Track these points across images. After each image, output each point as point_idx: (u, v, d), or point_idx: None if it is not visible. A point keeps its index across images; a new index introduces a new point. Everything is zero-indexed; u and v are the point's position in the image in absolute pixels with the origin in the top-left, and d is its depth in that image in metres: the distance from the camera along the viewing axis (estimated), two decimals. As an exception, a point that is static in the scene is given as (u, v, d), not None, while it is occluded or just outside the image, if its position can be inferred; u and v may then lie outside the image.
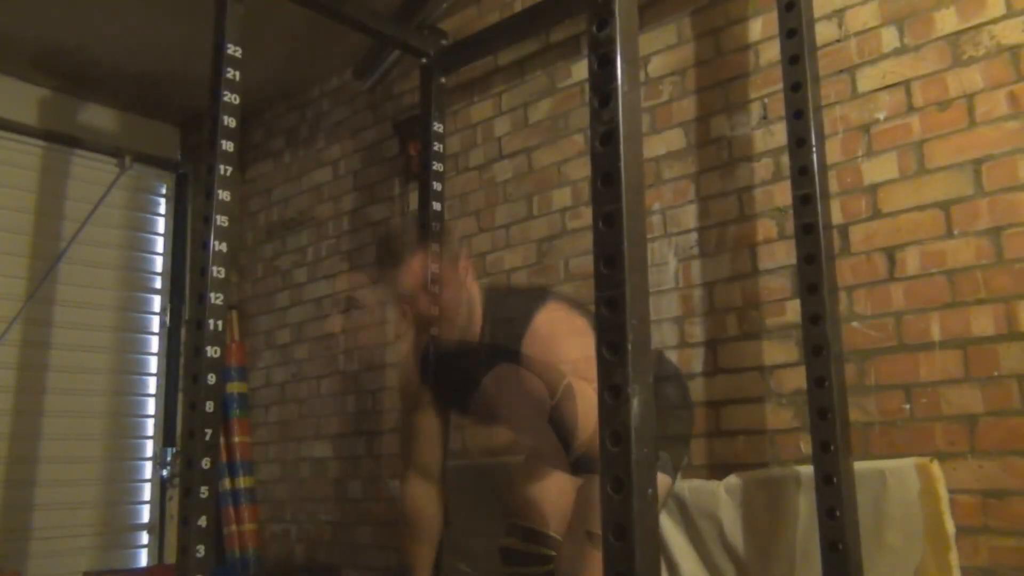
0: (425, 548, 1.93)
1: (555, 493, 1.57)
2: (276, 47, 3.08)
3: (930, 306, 1.76)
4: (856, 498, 1.66)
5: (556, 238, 2.45)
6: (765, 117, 2.08)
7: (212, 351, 1.81)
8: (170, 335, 3.64)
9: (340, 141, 3.27)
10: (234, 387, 3.32)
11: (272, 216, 3.52)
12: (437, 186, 2.48)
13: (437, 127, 2.53)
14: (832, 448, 1.66)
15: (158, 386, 3.61)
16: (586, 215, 2.38)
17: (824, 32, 1.97)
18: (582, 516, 1.58)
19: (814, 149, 1.79)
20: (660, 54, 2.31)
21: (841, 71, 1.96)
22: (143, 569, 3.42)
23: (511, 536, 1.65)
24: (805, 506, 1.78)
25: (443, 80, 2.60)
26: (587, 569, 1.52)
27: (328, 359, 3.13)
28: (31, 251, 3.32)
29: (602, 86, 1.12)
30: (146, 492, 3.53)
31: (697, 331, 2.12)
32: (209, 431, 1.77)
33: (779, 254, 1.99)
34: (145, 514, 3.51)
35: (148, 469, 3.54)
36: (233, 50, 1.95)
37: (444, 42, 2.62)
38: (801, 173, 1.80)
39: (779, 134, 2.00)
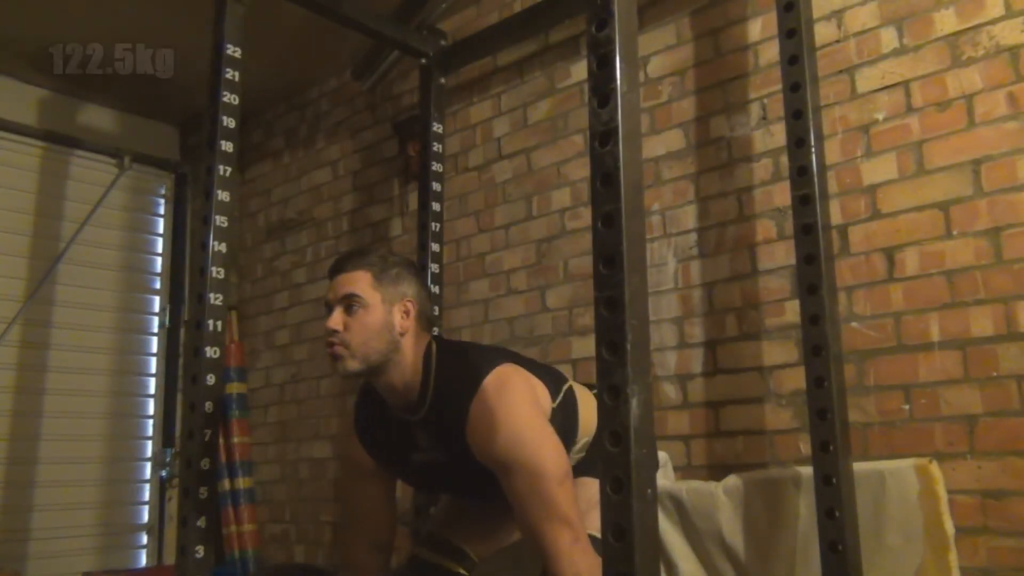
0: None
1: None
2: (276, 47, 3.08)
3: (929, 306, 1.76)
4: (855, 499, 1.66)
5: (555, 238, 2.45)
6: (764, 117, 2.08)
7: (211, 352, 1.81)
8: (169, 336, 3.64)
9: (339, 141, 3.27)
10: (233, 388, 3.32)
11: (271, 216, 3.52)
12: (436, 186, 2.48)
13: (436, 127, 2.54)
14: (831, 448, 1.66)
15: (157, 387, 3.61)
16: (585, 215, 2.38)
17: (823, 32, 1.97)
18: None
19: (813, 149, 1.79)
20: (659, 54, 2.31)
21: (840, 71, 1.96)
22: (142, 570, 3.42)
23: (422, 545, 1.64)
24: (804, 507, 1.78)
25: (442, 80, 2.61)
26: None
27: (328, 359, 3.12)
28: (30, 252, 3.32)
29: (601, 86, 1.12)
30: (145, 493, 3.53)
31: (696, 331, 2.12)
32: (208, 432, 1.77)
33: (778, 254, 1.99)
34: (144, 515, 3.51)
35: (147, 470, 3.54)
36: (233, 50, 1.95)
37: (443, 42, 2.63)
38: (800, 173, 1.80)
39: (778, 134, 2.00)
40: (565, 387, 1.60)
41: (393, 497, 1.75)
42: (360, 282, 1.52)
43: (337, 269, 1.57)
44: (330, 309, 1.54)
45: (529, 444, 1.42)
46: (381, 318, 1.51)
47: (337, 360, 1.52)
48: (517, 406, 1.46)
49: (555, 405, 1.55)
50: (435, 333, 1.68)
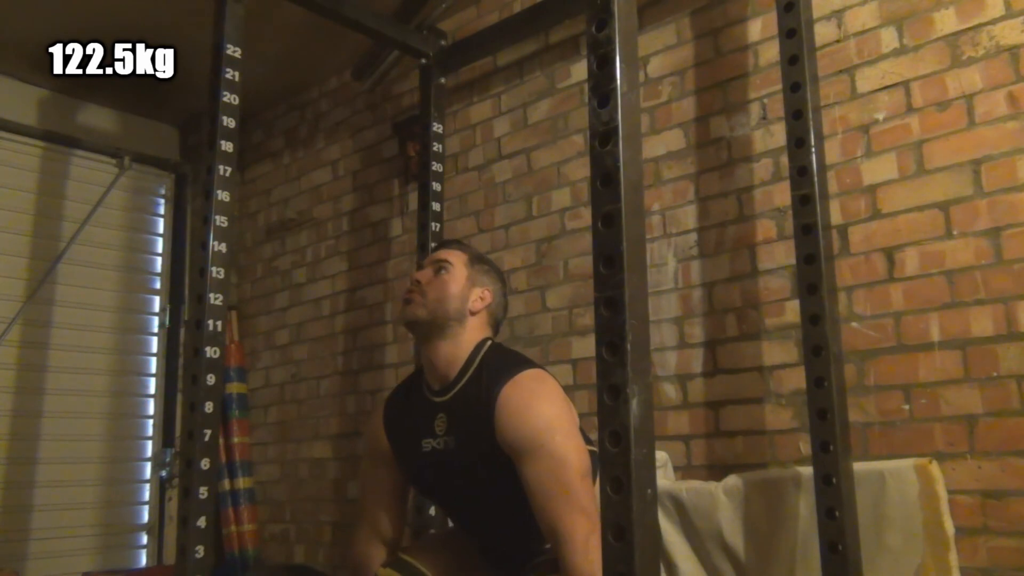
0: None
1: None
2: (276, 47, 3.08)
3: (929, 306, 1.76)
4: (855, 499, 1.66)
5: (555, 239, 2.45)
6: (764, 117, 2.08)
7: (211, 352, 1.81)
8: (169, 336, 3.64)
9: (339, 141, 3.27)
10: (233, 388, 3.32)
11: (271, 216, 3.52)
12: (436, 186, 2.48)
13: (436, 127, 2.54)
14: (831, 448, 1.66)
15: (157, 387, 3.61)
16: (585, 215, 2.38)
17: (823, 32, 1.97)
18: None
19: (813, 149, 1.79)
20: (659, 54, 2.31)
21: (840, 71, 1.96)
22: (142, 570, 3.42)
23: (388, 567, 1.64)
24: (804, 507, 1.78)
25: (442, 80, 2.61)
26: None
27: (327, 359, 3.13)
28: (30, 252, 3.31)
29: (601, 86, 1.12)
30: (145, 493, 3.53)
31: (696, 331, 2.12)
32: (208, 432, 1.77)
33: (778, 254, 1.99)
34: (144, 515, 3.51)
35: (147, 470, 3.54)
36: (233, 50, 1.95)
37: (443, 42, 2.62)
38: (800, 173, 1.80)
39: (778, 134, 2.00)
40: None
41: (405, 495, 1.77)
42: (456, 257, 1.69)
43: (440, 246, 1.78)
44: (420, 269, 1.72)
45: (559, 432, 1.46)
46: (460, 289, 1.65)
47: (408, 304, 1.64)
48: (551, 397, 1.52)
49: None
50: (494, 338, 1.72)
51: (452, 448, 1.59)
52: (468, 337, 1.63)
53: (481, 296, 1.67)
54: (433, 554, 1.69)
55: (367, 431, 1.84)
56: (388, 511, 1.73)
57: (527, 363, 1.59)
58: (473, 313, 1.65)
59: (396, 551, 1.71)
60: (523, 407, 1.48)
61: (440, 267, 1.67)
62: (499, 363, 1.59)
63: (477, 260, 1.72)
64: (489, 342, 1.66)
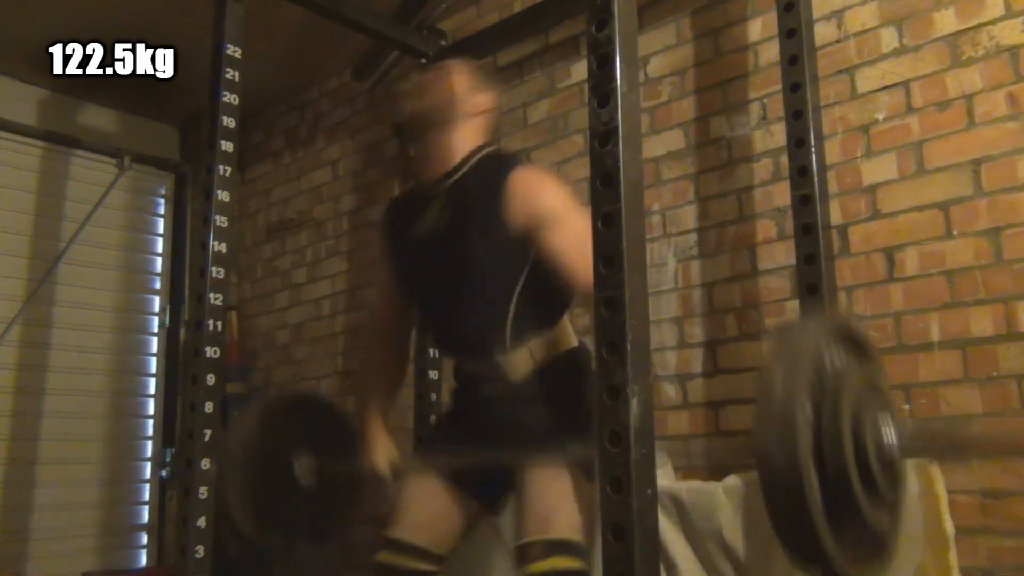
0: (374, 402, 1.81)
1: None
2: (276, 47, 3.08)
3: (929, 306, 1.76)
4: (855, 498, 1.66)
5: (555, 238, 2.45)
6: (764, 117, 2.08)
7: (211, 352, 1.81)
8: (169, 336, 3.64)
9: (339, 141, 3.27)
10: (234, 387, 3.32)
11: (271, 217, 3.52)
12: (436, 186, 2.48)
13: (436, 127, 2.53)
14: (831, 448, 1.66)
15: (157, 387, 3.61)
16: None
17: (823, 32, 1.97)
18: None
19: (813, 149, 1.79)
20: (659, 54, 2.31)
21: (840, 71, 1.96)
22: (142, 570, 3.42)
23: (384, 550, 1.64)
24: (804, 506, 1.77)
25: (442, 80, 2.60)
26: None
27: (327, 359, 3.12)
28: (30, 252, 3.32)
29: (601, 86, 1.12)
30: (145, 493, 3.53)
31: (696, 331, 2.12)
32: (209, 432, 1.77)
33: (778, 254, 1.99)
34: (144, 515, 3.51)
35: (147, 470, 3.54)
36: (233, 50, 1.95)
37: (443, 42, 2.62)
38: (800, 173, 1.80)
39: (778, 134, 2.00)
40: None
41: (409, 308, 1.84)
42: (458, 64, 1.76)
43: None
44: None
45: (575, 205, 1.55)
46: (460, 91, 1.68)
47: (409, 97, 1.72)
48: (560, 184, 1.60)
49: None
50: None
51: (447, 227, 1.64)
52: (467, 135, 1.67)
53: (485, 100, 1.72)
54: (422, 517, 1.68)
55: (374, 239, 1.93)
56: (397, 321, 1.85)
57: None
58: (476, 115, 1.69)
59: (392, 523, 1.70)
60: (540, 185, 1.57)
61: (441, 69, 1.73)
62: (504, 158, 1.68)
63: (478, 70, 1.77)
64: (489, 147, 1.70)
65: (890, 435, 1.13)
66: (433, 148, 1.67)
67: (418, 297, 1.79)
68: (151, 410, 3.59)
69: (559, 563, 1.43)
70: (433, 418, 2.43)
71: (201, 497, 1.73)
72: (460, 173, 1.64)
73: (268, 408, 1.91)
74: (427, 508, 1.68)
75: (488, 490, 1.70)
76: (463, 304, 1.65)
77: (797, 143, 1.82)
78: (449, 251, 1.64)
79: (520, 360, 1.62)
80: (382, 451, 1.75)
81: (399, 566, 1.62)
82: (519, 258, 1.58)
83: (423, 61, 2.59)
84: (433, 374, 2.45)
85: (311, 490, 1.84)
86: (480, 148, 1.68)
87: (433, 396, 2.46)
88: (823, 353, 1.11)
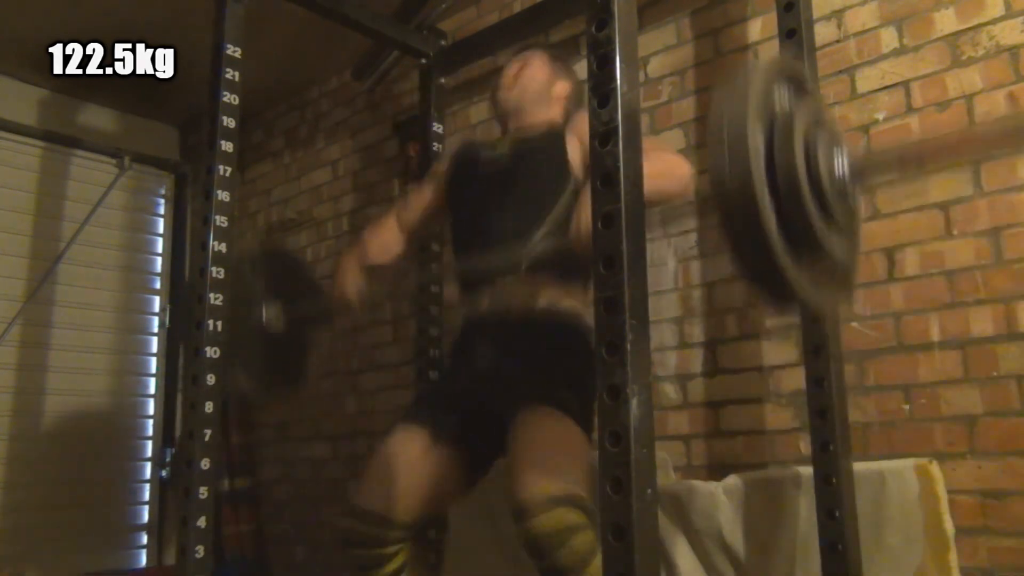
0: (361, 250, 1.97)
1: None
2: (276, 47, 3.08)
3: (929, 306, 1.76)
4: (855, 499, 1.66)
5: (555, 238, 2.45)
6: (764, 117, 2.07)
7: (212, 351, 1.81)
8: (169, 336, 3.64)
9: (339, 141, 3.27)
10: (234, 387, 3.32)
11: (271, 216, 3.52)
12: (436, 186, 2.48)
13: (436, 128, 2.53)
14: (831, 448, 1.66)
15: (157, 387, 3.61)
16: (585, 215, 2.38)
17: (823, 32, 1.97)
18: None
19: (813, 149, 1.78)
20: (659, 54, 2.31)
21: (840, 71, 1.96)
22: (142, 570, 3.42)
23: (347, 517, 1.62)
24: (804, 507, 1.78)
25: (442, 81, 2.60)
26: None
27: (327, 359, 3.12)
28: (30, 252, 3.32)
29: (601, 86, 1.12)
30: (145, 493, 3.53)
31: (696, 331, 2.12)
32: (208, 431, 1.77)
33: (778, 254, 1.99)
34: (144, 515, 3.51)
35: (147, 470, 3.54)
36: (233, 50, 1.95)
37: (443, 42, 2.62)
38: (800, 173, 1.79)
39: (778, 134, 1.99)
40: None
41: (435, 215, 2.01)
42: (539, 56, 1.94)
43: (524, 49, 2.01)
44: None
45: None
46: (545, 79, 1.90)
47: (499, 90, 1.91)
48: None
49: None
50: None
51: (509, 155, 1.80)
52: (550, 115, 1.87)
53: (562, 87, 1.91)
54: (389, 483, 1.63)
55: (434, 168, 2.08)
56: (420, 217, 2.00)
57: None
58: (556, 99, 1.89)
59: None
60: None
61: (525, 64, 1.91)
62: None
63: (556, 59, 1.96)
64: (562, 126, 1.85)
65: (841, 162, 1.13)
66: (520, 122, 1.87)
67: (459, 212, 1.90)
68: (151, 410, 3.59)
69: (565, 517, 1.36)
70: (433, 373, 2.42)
71: (201, 497, 1.73)
72: (532, 132, 1.83)
73: (235, 264, 1.97)
74: (398, 473, 1.63)
75: (479, 441, 1.67)
76: (498, 217, 1.75)
77: (797, 143, 1.81)
78: (503, 175, 1.78)
79: (528, 292, 1.68)
80: (352, 281, 1.90)
81: (360, 532, 1.60)
82: (561, 186, 1.71)
83: (423, 61, 2.59)
84: (434, 331, 2.43)
85: (281, 334, 1.99)
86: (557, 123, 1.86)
87: (434, 352, 2.42)
88: (772, 89, 1.11)
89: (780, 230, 1.03)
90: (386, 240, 2.01)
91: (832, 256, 1.12)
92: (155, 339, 3.65)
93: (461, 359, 1.79)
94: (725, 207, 1.04)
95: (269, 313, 1.97)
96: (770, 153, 1.06)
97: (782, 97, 1.12)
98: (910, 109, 1.84)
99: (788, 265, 1.04)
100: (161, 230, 3.75)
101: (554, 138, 1.77)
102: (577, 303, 1.72)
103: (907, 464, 1.69)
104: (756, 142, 1.03)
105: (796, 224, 1.06)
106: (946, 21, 1.81)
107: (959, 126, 1.76)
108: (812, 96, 1.22)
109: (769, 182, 1.04)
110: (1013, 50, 1.72)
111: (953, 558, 1.61)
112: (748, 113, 1.04)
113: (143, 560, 3.47)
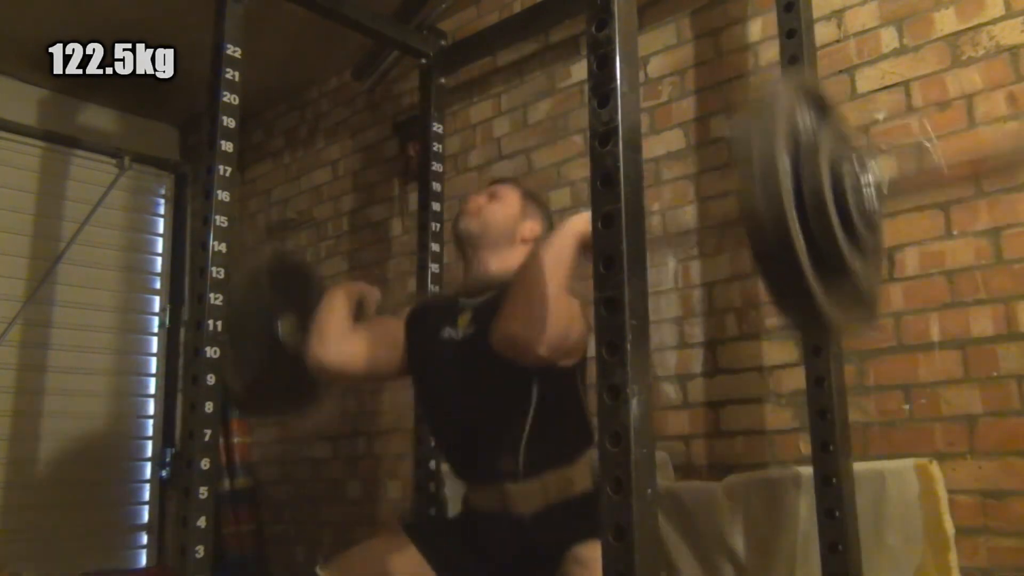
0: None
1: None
2: (276, 47, 3.08)
3: (929, 306, 1.76)
4: (855, 499, 1.66)
5: (555, 238, 2.45)
6: (764, 117, 2.07)
7: (211, 351, 1.81)
8: (169, 336, 3.64)
9: (339, 141, 3.27)
10: (234, 388, 3.32)
11: (271, 216, 3.52)
12: (437, 187, 2.48)
13: (436, 128, 2.53)
14: (831, 448, 1.66)
15: (157, 387, 3.61)
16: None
17: (823, 33, 1.97)
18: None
19: (813, 149, 1.78)
20: (659, 54, 2.31)
21: (840, 71, 1.96)
22: (142, 570, 3.42)
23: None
24: (804, 507, 1.78)
25: (442, 81, 2.60)
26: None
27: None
28: (30, 252, 3.32)
29: (601, 86, 1.12)
30: (145, 493, 3.53)
31: (696, 331, 2.12)
32: (208, 432, 1.77)
33: (778, 254, 1.99)
34: (144, 515, 3.51)
35: (147, 470, 3.54)
36: (232, 50, 1.95)
37: (443, 43, 2.62)
38: (800, 173, 1.80)
39: (778, 134, 1.99)
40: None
41: (394, 347, 1.77)
42: (510, 190, 1.79)
43: (496, 182, 1.86)
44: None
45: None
46: (513, 217, 1.74)
47: (464, 216, 1.75)
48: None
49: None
50: None
51: (470, 339, 1.61)
52: (510, 259, 1.68)
53: (531, 228, 1.74)
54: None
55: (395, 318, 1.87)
56: (374, 352, 1.75)
57: None
58: (523, 242, 1.72)
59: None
60: None
61: (494, 195, 1.76)
62: None
63: (529, 197, 1.81)
64: None
65: (868, 187, 1.16)
66: (480, 265, 1.72)
67: (422, 385, 1.77)
68: (151, 410, 3.59)
69: None
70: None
71: (201, 497, 1.73)
72: (494, 292, 1.61)
73: (251, 275, 1.93)
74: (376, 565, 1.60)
75: None
76: (476, 421, 1.60)
77: (797, 143, 1.82)
78: (467, 365, 1.60)
79: (532, 493, 1.54)
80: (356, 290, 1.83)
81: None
82: (536, 382, 1.54)
83: (423, 61, 2.59)
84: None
85: (295, 349, 1.85)
86: None
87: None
88: (796, 113, 1.13)
89: (809, 255, 1.06)
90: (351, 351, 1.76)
91: (857, 278, 1.15)
92: (155, 339, 3.64)
93: (471, 545, 1.65)
94: (757, 235, 1.06)
95: (285, 328, 1.89)
96: (797, 177, 1.08)
97: (806, 120, 1.14)
98: (910, 109, 1.84)
99: (818, 291, 1.05)
100: (161, 230, 3.75)
101: None
102: (586, 478, 1.60)
103: (907, 464, 1.69)
104: (784, 167, 1.05)
105: (823, 248, 1.09)
106: (946, 21, 1.81)
107: (959, 126, 1.76)
108: (834, 116, 1.23)
109: (797, 206, 1.06)
110: (1013, 50, 1.72)
111: (953, 558, 1.61)
112: (776, 140, 1.06)
113: (143, 560, 3.47)
